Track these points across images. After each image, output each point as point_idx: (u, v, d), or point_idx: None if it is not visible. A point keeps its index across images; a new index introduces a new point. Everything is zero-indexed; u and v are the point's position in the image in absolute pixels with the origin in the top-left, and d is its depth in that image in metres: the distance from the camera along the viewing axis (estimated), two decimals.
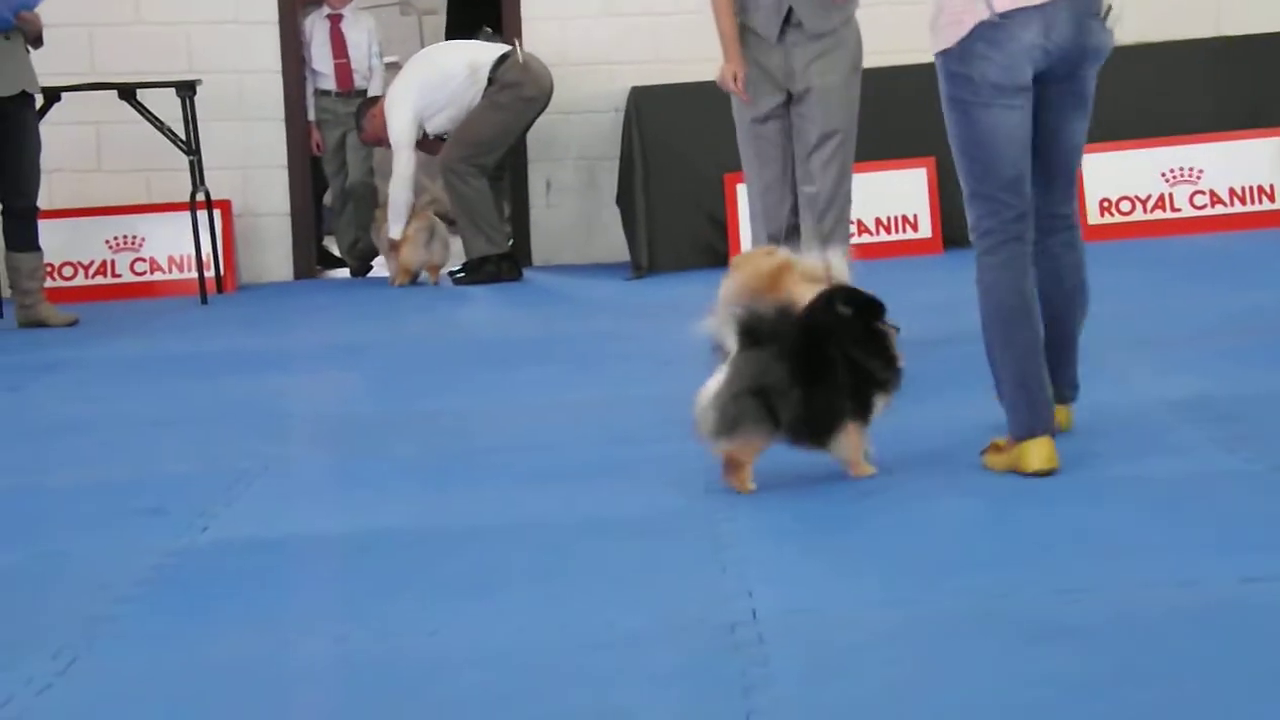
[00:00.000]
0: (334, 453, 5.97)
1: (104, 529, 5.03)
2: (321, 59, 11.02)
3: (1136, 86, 10.45)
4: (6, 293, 9.82)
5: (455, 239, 10.63)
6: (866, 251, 9.24)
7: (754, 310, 4.97)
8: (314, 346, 8.44)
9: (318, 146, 11.08)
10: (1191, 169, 10.34)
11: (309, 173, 11.10)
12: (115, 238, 10.65)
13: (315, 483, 5.55)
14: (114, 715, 3.57)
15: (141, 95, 10.04)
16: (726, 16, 6.92)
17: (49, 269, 9.93)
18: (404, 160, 10.32)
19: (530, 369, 7.30)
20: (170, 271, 10.65)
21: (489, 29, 11.37)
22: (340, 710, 3.51)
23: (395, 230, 10.38)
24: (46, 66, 9.53)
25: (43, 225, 9.51)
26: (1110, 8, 5.11)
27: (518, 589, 4.20)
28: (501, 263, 10.38)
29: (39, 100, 9.46)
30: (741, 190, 9.85)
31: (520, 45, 10.56)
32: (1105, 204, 10.37)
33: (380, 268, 11.04)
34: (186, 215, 10.12)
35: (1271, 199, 10.30)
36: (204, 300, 10.09)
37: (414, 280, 10.46)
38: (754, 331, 4.87)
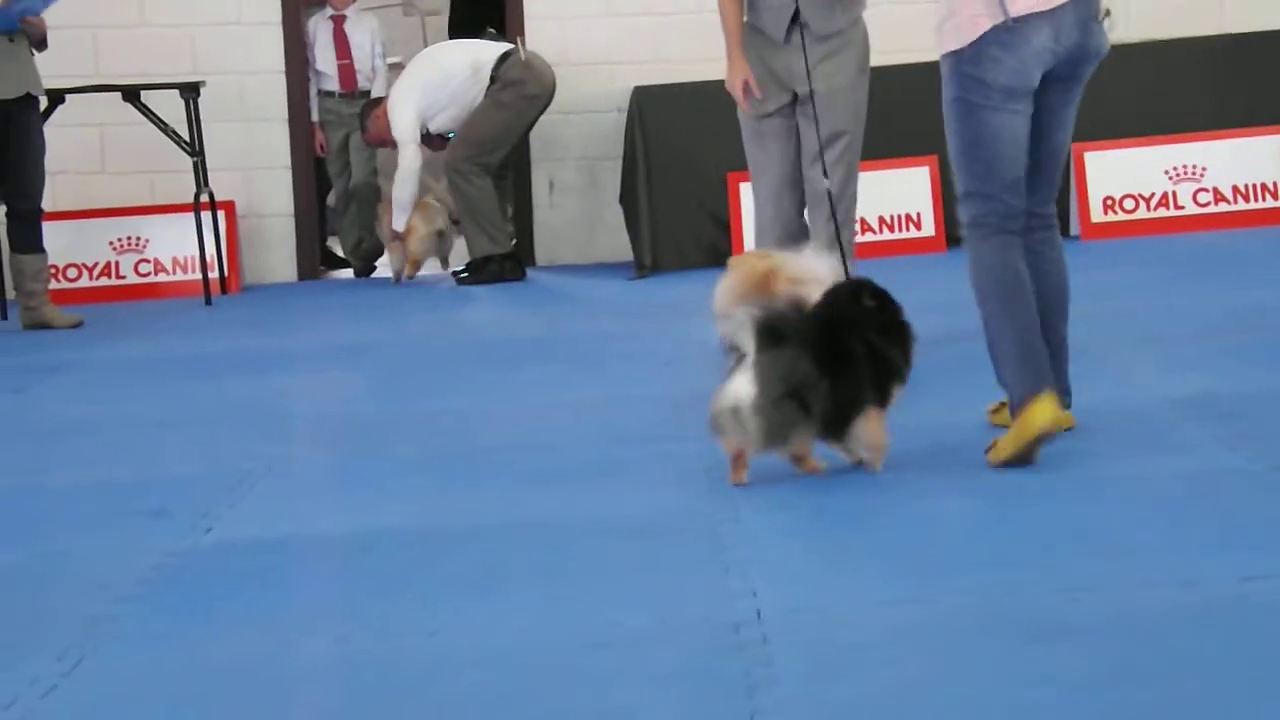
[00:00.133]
0: (337, 453, 5.97)
1: (107, 530, 5.03)
2: (325, 60, 11.03)
3: (1140, 84, 10.45)
4: (11, 294, 9.83)
5: (458, 238, 10.64)
6: (870, 250, 9.25)
7: (772, 310, 4.98)
8: (317, 347, 8.44)
9: (321, 147, 11.08)
10: (1195, 167, 10.34)
11: (313, 174, 11.11)
12: (119, 239, 10.66)
13: (318, 483, 5.55)
14: (118, 716, 3.57)
15: (145, 97, 10.04)
16: (732, 18, 6.91)
17: (53, 270, 9.94)
18: (409, 155, 10.34)
19: (533, 369, 7.31)
20: (174, 273, 10.66)
21: (492, 29, 11.37)
22: (342, 710, 3.52)
23: (399, 222, 10.39)
24: (50, 68, 9.54)
25: (47, 227, 9.51)
26: (1108, 11, 5.20)
27: (520, 589, 4.21)
28: (505, 262, 10.38)
29: (43, 102, 9.47)
30: (745, 189, 9.84)
31: (522, 42, 10.56)
32: (1109, 202, 10.37)
33: (384, 268, 11.04)
34: (190, 216, 10.12)
35: (1275, 196, 10.29)
36: (208, 301, 10.10)
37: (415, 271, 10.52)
38: (775, 331, 4.89)
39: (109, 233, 10.64)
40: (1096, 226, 10.33)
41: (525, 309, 9.41)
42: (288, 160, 10.95)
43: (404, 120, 10.32)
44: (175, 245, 10.57)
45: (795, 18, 6.79)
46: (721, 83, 7.03)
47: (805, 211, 6.96)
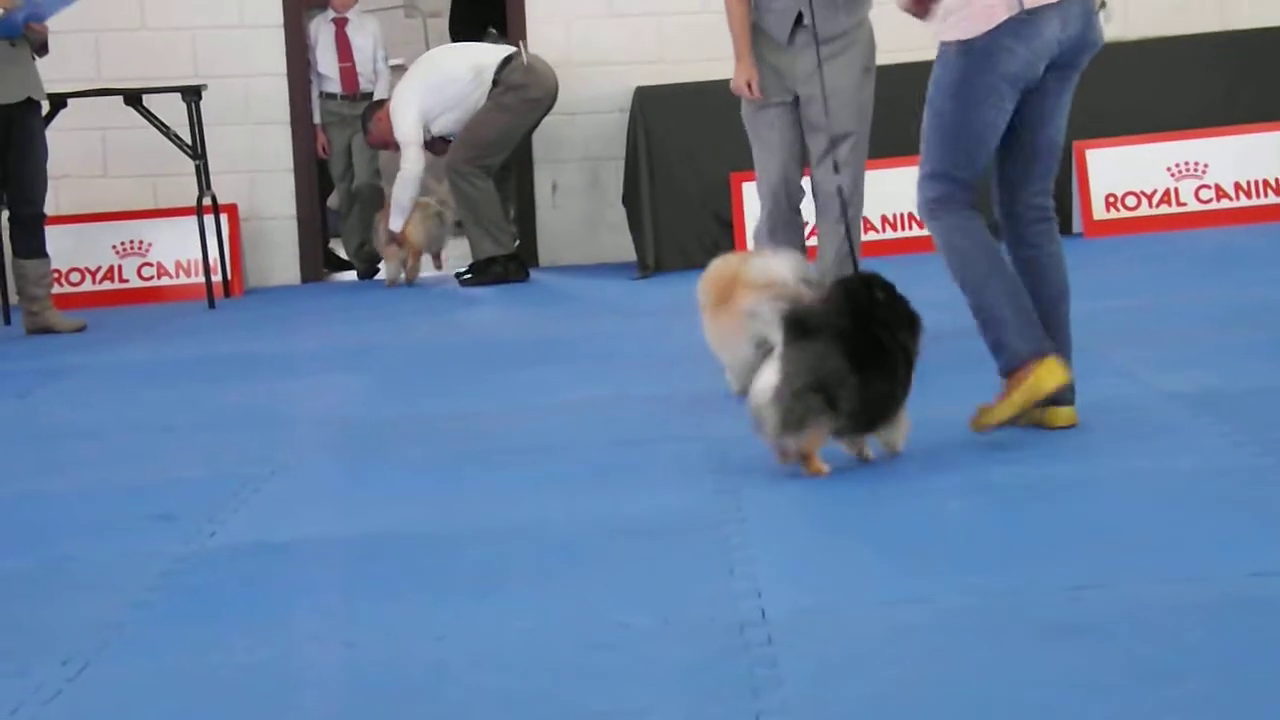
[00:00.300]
0: (341, 456, 5.97)
1: (112, 534, 5.03)
2: (327, 63, 11.04)
3: (1142, 81, 10.46)
4: (14, 299, 9.83)
5: (460, 240, 10.65)
6: (873, 249, 9.25)
7: (800, 303, 4.99)
8: (321, 350, 8.45)
9: (324, 150, 11.09)
10: (1197, 163, 10.34)
11: (315, 176, 11.12)
12: (122, 243, 10.67)
13: (323, 486, 5.55)
14: None
15: (147, 101, 10.05)
16: (739, 18, 6.91)
17: (56, 275, 9.94)
18: (412, 157, 10.34)
19: (537, 370, 7.31)
20: (177, 276, 10.66)
21: (493, 30, 11.37)
22: (348, 714, 3.51)
23: (396, 223, 10.40)
24: (52, 73, 9.55)
25: (50, 231, 9.53)
26: (1104, 3, 5.30)
27: (525, 590, 4.20)
28: (508, 263, 10.39)
29: (45, 106, 9.48)
30: (747, 189, 9.87)
31: (525, 47, 10.56)
32: (1111, 199, 10.37)
33: (385, 270, 11.05)
34: (193, 220, 10.13)
35: (1277, 193, 10.29)
36: (211, 305, 10.10)
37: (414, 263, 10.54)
38: (804, 324, 4.91)
39: (112, 237, 10.65)
40: (1099, 224, 10.33)
41: (528, 310, 9.41)
42: (290, 163, 10.96)
43: (407, 123, 10.32)
44: (178, 249, 10.58)
45: (799, 19, 6.79)
46: (724, 82, 7.04)
47: (812, 209, 6.96)
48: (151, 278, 10.69)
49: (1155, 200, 10.36)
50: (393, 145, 10.52)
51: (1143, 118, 10.43)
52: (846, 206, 6.52)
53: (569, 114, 10.80)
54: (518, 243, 10.79)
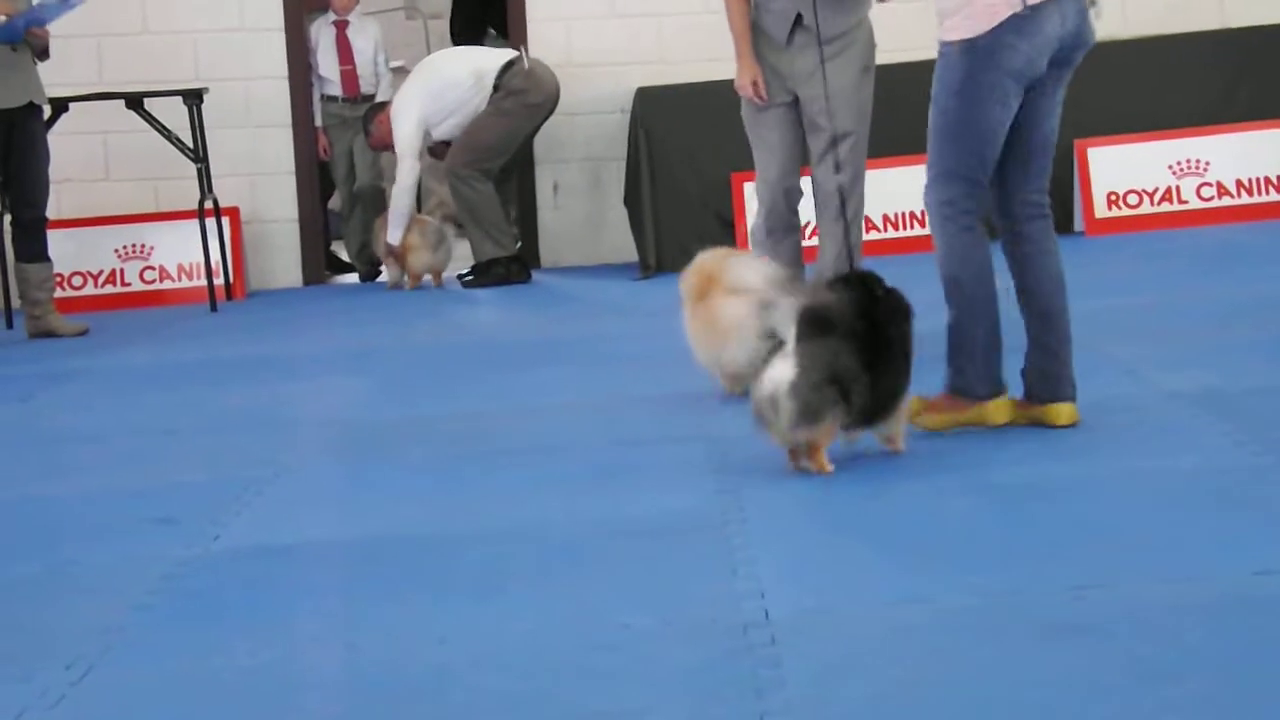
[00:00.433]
0: (344, 458, 5.98)
1: (115, 538, 5.03)
2: (328, 65, 11.04)
3: (1142, 79, 10.47)
4: (16, 303, 9.84)
5: (461, 242, 10.65)
6: (875, 248, 9.25)
7: (818, 299, 5.01)
8: (323, 352, 8.45)
9: (325, 152, 11.09)
10: (1198, 161, 10.34)
11: (316, 178, 11.13)
12: (124, 247, 10.67)
13: (325, 489, 5.55)
14: None
15: (149, 104, 10.05)
16: (740, 18, 6.91)
17: (58, 279, 9.94)
18: (406, 169, 10.34)
19: (539, 371, 7.31)
20: (179, 279, 10.67)
21: (493, 31, 11.38)
22: (350, 716, 3.51)
23: (395, 236, 10.40)
24: (54, 77, 9.55)
25: (51, 235, 9.53)
26: (1094, 1, 5.34)
27: (528, 591, 4.21)
28: (510, 265, 10.39)
29: (47, 111, 9.48)
30: (748, 189, 9.87)
31: (526, 51, 10.56)
32: (1112, 197, 10.37)
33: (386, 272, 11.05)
34: (195, 223, 10.14)
35: (1278, 190, 10.29)
36: (213, 308, 10.10)
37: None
38: (822, 320, 4.95)
39: (114, 240, 10.65)
40: (1100, 222, 10.33)
41: (530, 311, 9.41)
42: (291, 165, 10.96)
43: (406, 131, 10.32)
44: (180, 252, 10.59)
45: (798, 20, 6.78)
46: (725, 83, 7.04)
47: (812, 209, 6.97)
48: (153, 281, 10.69)
49: (1157, 198, 10.36)
50: (394, 148, 10.52)
51: (1144, 116, 10.43)
52: (845, 206, 6.53)
53: (570, 115, 10.80)
54: (519, 244, 10.79)
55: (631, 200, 10.54)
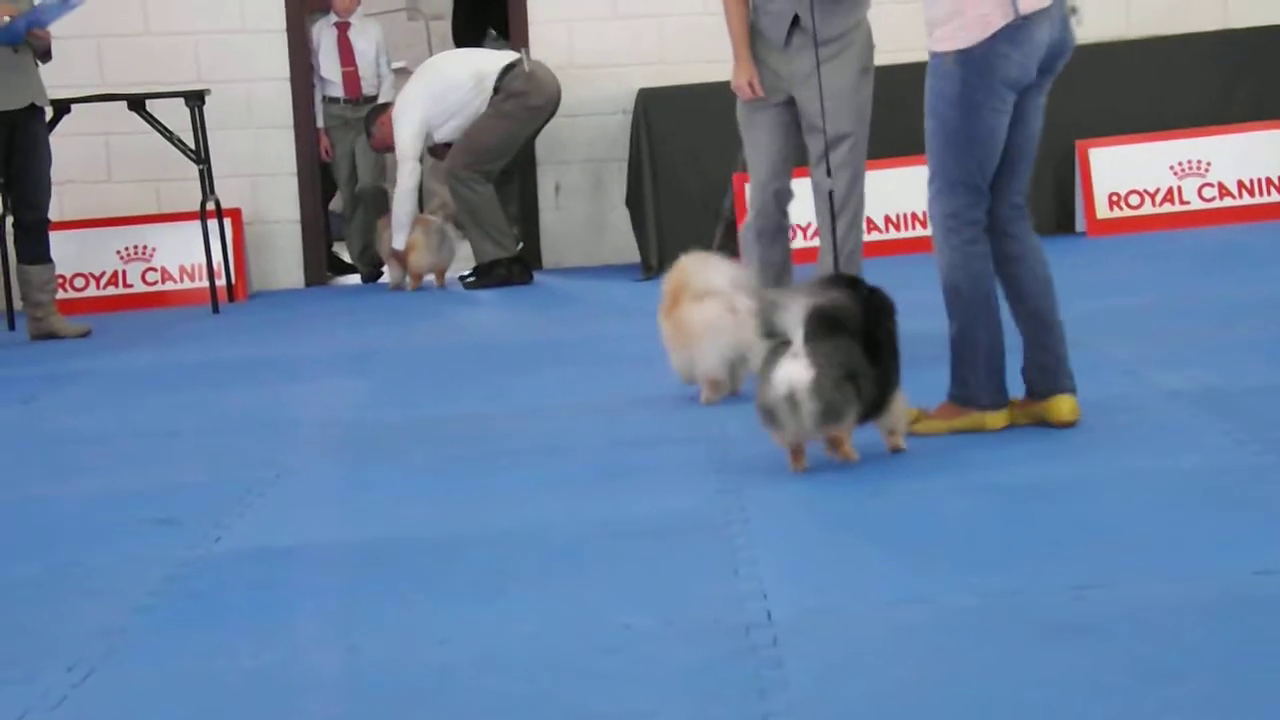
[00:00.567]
0: (346, 460, 5.98)
1: (117, 540, 5.04)
2: (329, 67, 11.04)
3: (1144, 80, 10.47)
4: (19, 305, 9.85)
5: (463, 243, 10.65)
6: (876, 249, 9.25)
7: (827, 299, 5.03)
8: (325, 353, 8.45)
9: (326, 153, 11.10)
10: (1199, 162, 10.34)
11: (318, 180, 11.13)
12: (126, 248, 10.68)
13: (327, 491, 5.55)
14: None
15: (151, 106, 10.06)
16: (738, 19, 6.91)
17: (60, 280, 9.95)
18: (407, 172, 10.34)
19: (541, 372, 7.31)
20: (181, 281, 10.67)
21: (494, 32, 11.38)
22: (353, 718, 3.52)
23: (399, 241, 10.41)
24: (56, 78, 9.56)
25: (53, 237, 9.53)
26: (1075, 9, 5.39)
27: (530, 592, 4.21)
28: (512, 266, 10.39)
29: (48, 112, 9.49)
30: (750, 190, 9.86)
31: (527, 52, 10.56)
32: (1114, 198, 10.37)
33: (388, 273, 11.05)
34: (197, 224, 10.15)
35: None
36: (215, 309, 10.11)
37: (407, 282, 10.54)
38: (833, 319, 5.00)
39: (116, 242, 10.66)
40: (1102, 223, 10.34)
41: (532, 312, 9.42)
42: (293, 167, 10.97)
43: (407, 134, 10.32)
44: (182, 253, 10.59)
45: (796, 21, 6.78)
46: (727, 84, 7.04)
47: (813, 211, 6.97)
48: (155, 282, 10.70)
49: (1158, 199, 10.36)
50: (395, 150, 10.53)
51: (1145, 117, 10.43)
52: (834, 208, 6.54)
53: (571, 116, 10.81)
54: (521, 245, 10.80)
55: (633, 201, 10.55)
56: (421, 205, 10.97)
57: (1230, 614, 3.68)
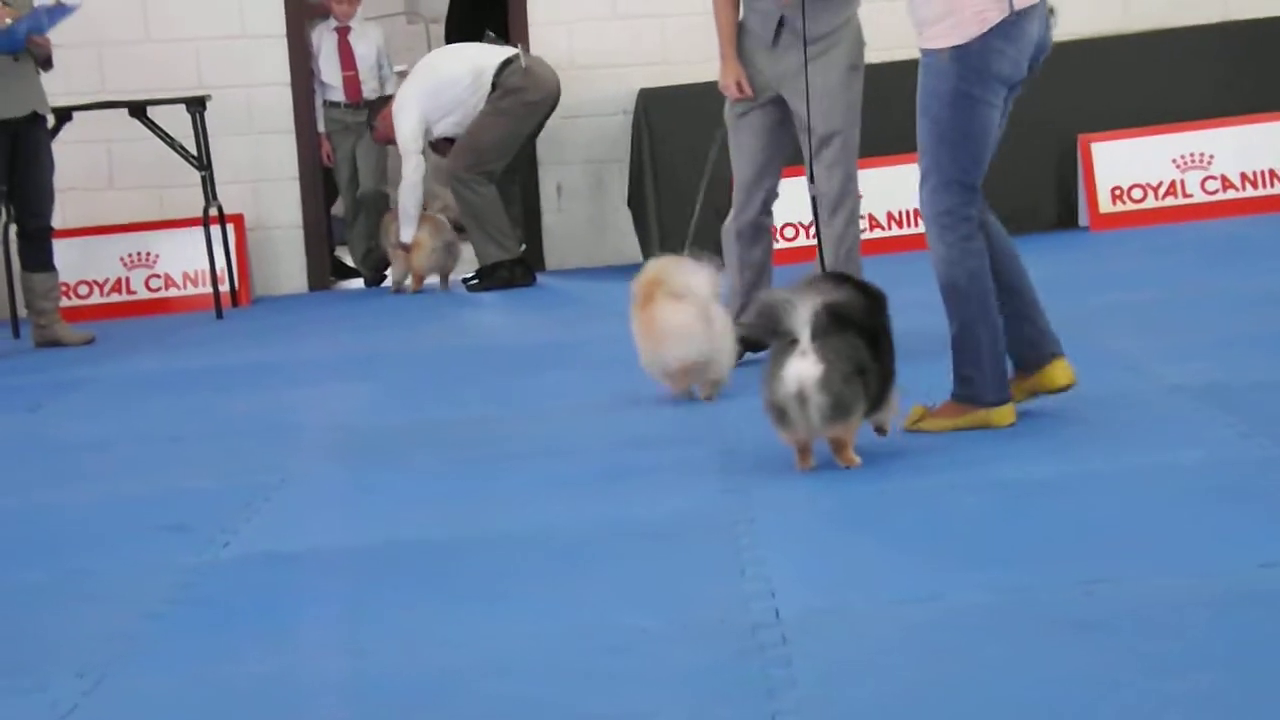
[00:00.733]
0: (351, 464, 5.98)
1: (126, 546, 5.04)
2: (330, 71, 11.04)
3: (1146, 74, 10.46)
4: (23, 313, 9.85)
5: (466, 245, 10.65)
6: (874, 246, 9.24)
7: (834, 297, 5.04)
8: (329, 358, 8.46)
9: (328, 158, 11.10)
10: (1202, 155, 10.33)
11: (320, 184, 11.13)
12: (129, 255, 10.68)
13: (333, 495, 5.56)
14: None
15: (152, 112, 10.06)
16: (726, 18, 6.91)
17: (64, 288, 9.95)
18: (412, 165, 10.35)
19: (545, 374, 7.32)
20: (185, 287, 10.67)
21: (491, 33, 11.37)
22: None
23: (406, 235, 10.41)
24: (57, 86, 9.56)
25: (57, 244, 9.53)
26: (1053, 10, 5.45)
27: (535, 595, 4.21)
28: (515, 268, 10.39)
29: (50, 120, 9.49)
30: None
31: (525, 49, 10.56)
32: (1117, 192, 10.36)
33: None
34: (199, 230, 10.15)
35: None
36: (219, 315, 10.11)
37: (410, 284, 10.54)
38: (841, 316, 5.01)
39: (119, 249, 10.66)
40: (1105, 217, 10.33)
41: (535, 314, 9.42)
42: (295, 172, 10.97)
43: (407, 128, 10.33)
44: (185, 259, 10.59)
45: (783, 20, 6.76)
46: None
47: (814, 213, 6.97)
48: (159, 289, 10.70)
49: (1161, 192, 10.35)
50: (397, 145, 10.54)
51: (1147, 110, 10.41)
52: (819, 209, 6.54)
53: (572, 117, 10.80)
54: (523, 247, 10.79)
55: (635, 202, 10.55)
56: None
57: (1236, 608, 3.68)
